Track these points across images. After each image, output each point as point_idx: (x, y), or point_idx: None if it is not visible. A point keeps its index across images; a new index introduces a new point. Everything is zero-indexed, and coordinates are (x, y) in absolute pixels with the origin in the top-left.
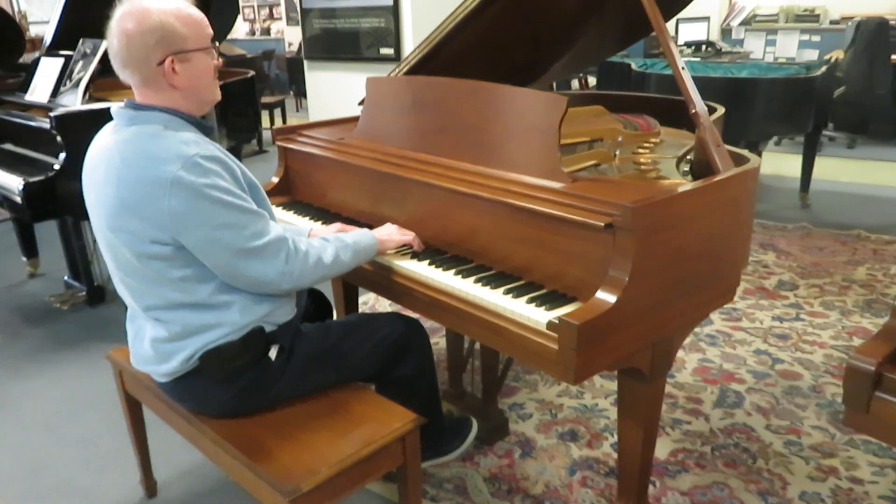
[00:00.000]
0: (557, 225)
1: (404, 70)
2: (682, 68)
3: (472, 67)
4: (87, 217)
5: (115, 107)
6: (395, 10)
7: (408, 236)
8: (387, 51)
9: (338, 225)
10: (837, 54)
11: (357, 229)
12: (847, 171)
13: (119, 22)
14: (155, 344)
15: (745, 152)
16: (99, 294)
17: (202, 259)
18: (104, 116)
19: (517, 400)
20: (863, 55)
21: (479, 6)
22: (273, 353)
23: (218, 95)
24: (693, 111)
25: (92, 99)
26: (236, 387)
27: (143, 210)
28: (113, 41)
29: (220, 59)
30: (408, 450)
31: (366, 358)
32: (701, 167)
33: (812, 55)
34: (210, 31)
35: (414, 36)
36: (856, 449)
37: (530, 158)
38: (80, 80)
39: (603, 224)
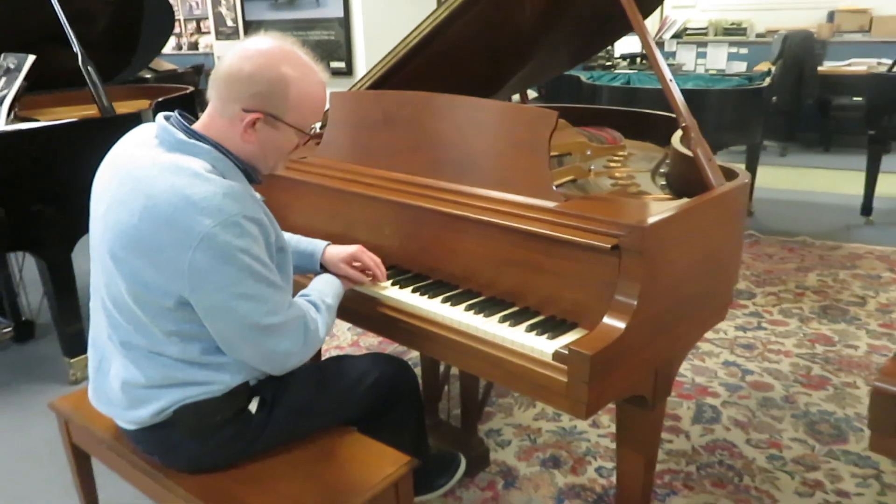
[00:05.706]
0: (552, 246)
1: (366, 86)
2: (670, 80)
3: (430, 83)
4: (7, 250)
5: (162, 118)
6: (346, 23)
7: (361, 264)
8: (338, 65)
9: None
10: (765, 66)
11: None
12: (782, 178)
13: (248, 49)
14: (126, 387)
15: (733, 166)
16: (27, 330)
17: (207, 323)
18: (30, 138)
19: (493, 426)
20: (791, 67)
21: (442, 23)
22: (254, 407)
23: (272, 171)
24: (683, 124)
25: (17, 119)
26: (213, 442)
27: (159, 255)
28: (230, 60)
29: (304, 144)
30: (401, 495)
31: (352, 405)
32: (679, 180)
33: (740, 67)
34: (317, 119)
35: (366, 49)
36: (836, 460)
37: (517, 176)
38: (3, 98)
39: (609, 246)
